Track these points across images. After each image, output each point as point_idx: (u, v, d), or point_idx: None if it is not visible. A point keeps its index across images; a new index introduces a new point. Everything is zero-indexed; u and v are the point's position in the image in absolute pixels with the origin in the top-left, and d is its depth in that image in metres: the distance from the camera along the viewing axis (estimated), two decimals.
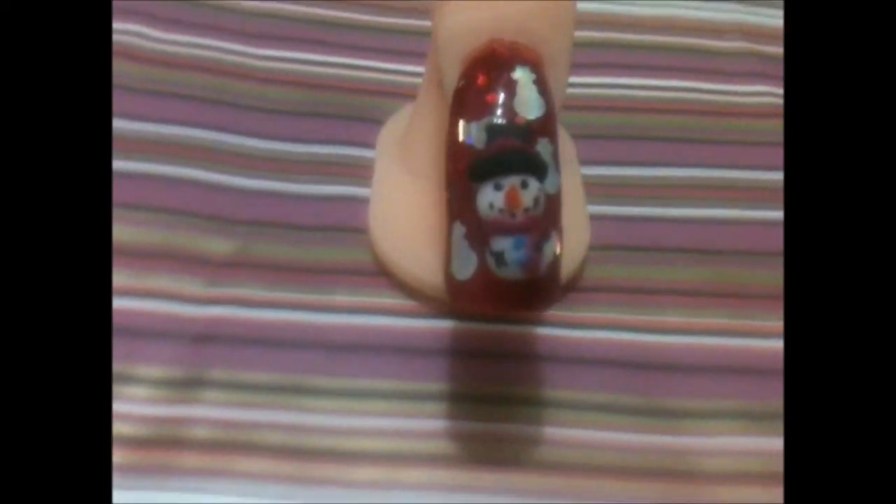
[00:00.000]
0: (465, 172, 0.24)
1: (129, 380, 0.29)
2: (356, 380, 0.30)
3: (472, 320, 0.31)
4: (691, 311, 0.32)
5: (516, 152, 0.24)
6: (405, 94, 0.38)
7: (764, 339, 0.32)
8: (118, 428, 0.28)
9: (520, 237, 0.23)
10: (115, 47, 0.38)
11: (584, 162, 0.35)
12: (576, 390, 0.30)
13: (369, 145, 0.36)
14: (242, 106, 0.37)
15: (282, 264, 0.32)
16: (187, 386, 0.29)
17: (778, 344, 0.32)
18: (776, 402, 0.30)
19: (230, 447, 0.28)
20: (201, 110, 0.37)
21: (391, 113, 0.37)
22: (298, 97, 0.38)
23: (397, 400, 0.29)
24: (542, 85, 0.25)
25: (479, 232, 0.24)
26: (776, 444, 0.29)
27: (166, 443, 0.28)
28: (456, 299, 0.25)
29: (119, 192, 0.33)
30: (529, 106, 0.24)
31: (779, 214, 0.35)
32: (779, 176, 0.37)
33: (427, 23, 0.30)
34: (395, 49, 0.40)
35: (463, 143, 0.24)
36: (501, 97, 0.24)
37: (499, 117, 0.24)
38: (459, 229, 0.24)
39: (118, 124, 0.35)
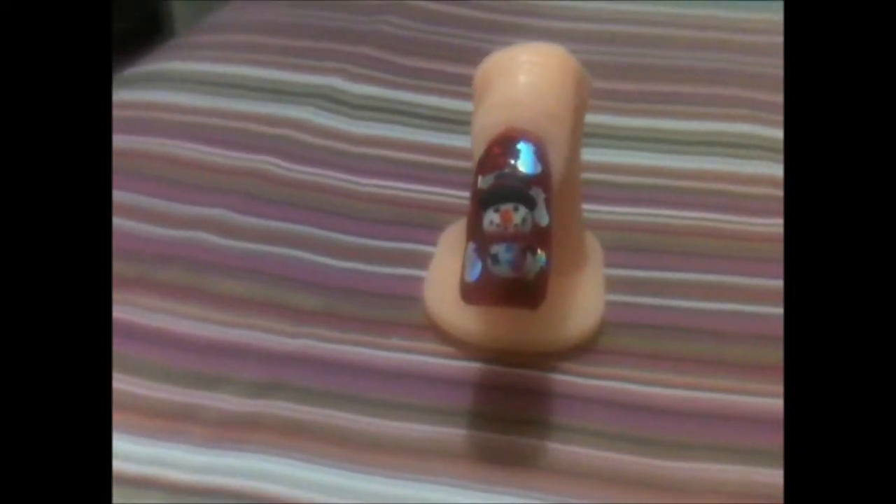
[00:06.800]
0: (476, 203, 0.33)
1: (226, 381, 0.38)
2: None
3: (498, 363, 0.40)
4: (681, 373, 0.40)
5: (511, 187, 0.33)
6: (459, 212, 0.46)
7: (727, 395, 0.39)
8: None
9: (510, 244, 0.32)
10: (257, 170, 0.50)
11: (616, 265, 0.44)
12: (578, 419, 0.37)
13: (428, 243, 0.46)
14: (346, 215, 0.48)
15: (357, 317, 0.42)
16: (273, 388, 0.38)
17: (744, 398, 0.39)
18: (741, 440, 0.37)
19: (304, 429, 0.36)
20: (318, 217, 0.48)
21: (448, 223, 0.47)
22: (386, 211, 0.49)
23: (430, 413, 0.37)
24: (539, 154, 0.34)
25: (483, 243, 0.32)
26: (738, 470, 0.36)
27: (249, 423, 0.36)
28: (465, 297, 0.33)
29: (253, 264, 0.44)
30: (527, 165, 0.34)
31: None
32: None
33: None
34: (454, 181, 0.50)
35: (479, 187, 0.33)
36: (508, 158, 0.34)
37: (504, 169, 0.33)
38: (471, 246, 0.33)
39: (264, 223, 0.47)
